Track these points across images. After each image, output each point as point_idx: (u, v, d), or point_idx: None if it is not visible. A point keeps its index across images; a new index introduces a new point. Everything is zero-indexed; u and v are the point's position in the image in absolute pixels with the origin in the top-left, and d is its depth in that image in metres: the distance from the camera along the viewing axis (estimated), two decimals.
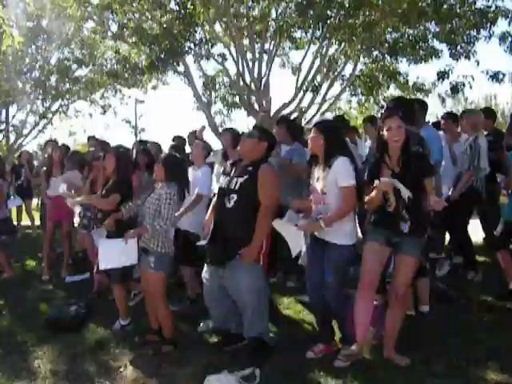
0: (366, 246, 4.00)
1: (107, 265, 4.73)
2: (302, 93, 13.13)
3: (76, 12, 12.31)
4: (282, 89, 13.61)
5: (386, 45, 12.09)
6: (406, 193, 3.69)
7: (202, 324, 4.99)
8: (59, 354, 4.58)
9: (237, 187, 4.14)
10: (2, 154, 16.55)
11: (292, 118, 7.15)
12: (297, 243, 4.36)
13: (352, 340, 4.05)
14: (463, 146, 6.21)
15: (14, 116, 19.13)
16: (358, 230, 4.72)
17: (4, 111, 18.62)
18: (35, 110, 18.11)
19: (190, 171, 5.71)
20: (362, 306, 3.95)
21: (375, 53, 12.76)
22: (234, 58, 12.97)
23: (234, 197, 4.12)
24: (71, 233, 7.76)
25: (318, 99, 13.56)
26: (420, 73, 35.55)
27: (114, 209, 4.96)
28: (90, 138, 9.54)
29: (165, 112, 70.72)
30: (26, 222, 12.73)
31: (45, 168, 7.82)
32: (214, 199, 4.65)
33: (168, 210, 4.41)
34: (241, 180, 4.14)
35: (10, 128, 18.95)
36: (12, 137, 18.97)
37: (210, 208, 4.76)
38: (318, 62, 12.77)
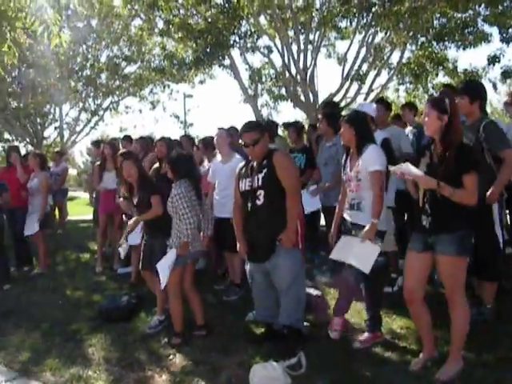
0: (406, 255, 3.86)
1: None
2: (348, 83, 13.04)
3: (123, 10, 12.60)
4: (328, 79, 13.59)
5: (433, 31, 11.84)
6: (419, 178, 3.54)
7: (250, 314, 5.06)
8: (111, 342, 4.75)
9: (260, 183, 4.19)
10: (57, 150, 17.10)
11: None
12: (366, 259, 4.16)
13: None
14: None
15: (67, 114, 19.70)
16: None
17: (58, 109, 19.18)
18: (87, 107, 18.59)
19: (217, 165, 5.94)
20: (414, 317, 3.91)
21: (422, 39, 12.54)
22: (279, 50, 12.99)
23: (262, 192, 4.17)
24: (123, 225, 8.01)
25: (365, 89, 13.45)
26: (469, 58, 34.46)
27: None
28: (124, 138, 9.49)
29: (212, 106, 71.32)
30: (79, 216, 13.13)
31: (98, 163, 8.06)
32: (237, 202, 4.60)
33: (182, 210, 4.49)
34: (261, 175, 4.20)
35: (64, 125, 19.52)
36: (66, 134, 19.56)
37: (234, 211, 4.63)
38: (363, 51, 12.64)
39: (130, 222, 5.20)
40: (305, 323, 4.51)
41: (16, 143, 17.16)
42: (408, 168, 3.58)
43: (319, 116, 6.34)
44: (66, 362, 4.35)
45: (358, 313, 4.93)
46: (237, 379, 3.85)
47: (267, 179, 4.16)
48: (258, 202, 4.19)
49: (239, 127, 8.45)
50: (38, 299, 6.28)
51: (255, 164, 4.35)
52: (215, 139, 6.11)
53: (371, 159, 4.15)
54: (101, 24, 14.98)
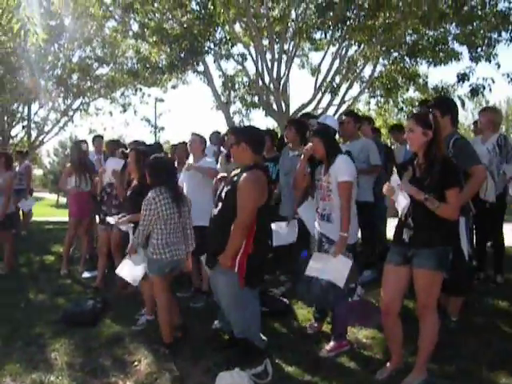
0: (384, 268, 3.87)
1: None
2: (320, 94, 13.14)
3: (98, 11, 12.47)
4: (300, 89, 13.65)
5: (406, 46, 12.07)
6: (402, 200, 3.59)
7: (216, 322, 5.03)
8: (75, 348, 4.66)
9: (223, 195, 4.08)
10: (24, 149, 16.79)
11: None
12: (340, 273, 4.24)
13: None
14: (486, 144, 6.02)
15: (35, 113, 19.38)
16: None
17: (26, 108, 18.85)
18: (57, 107, 18.33)
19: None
20: (387, 328, 3.95)
21: (395, 54, 12.75)
22: (253, 58, 13.03)
23: (220, 205, 4.07)
24: (90, 229, 7.94)
25: (337, 100, 13.57)
26: (440, 75, 35.26)
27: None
28: (95, 138, 9.49)
29: (184, 111, 71.11)
30: (43, 217, 12.91)
31: (68, 165, 7.95)
32: None
33: (145, 217, 4.43)
34: (226, 189, 4.08)
35: (32, 125, 19.19)
36: (34, 133, 19.23)
37: None
38: (337, 63, 12.78)
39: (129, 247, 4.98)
40: (263, 337, 4.29)
41: None
42: (396, 180, 3.65)
43: (285, 123, 6.30)
44: (28, 367, 4.24)
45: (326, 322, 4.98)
46: None
47: (228, 193, 4.03)
48: (214, 213, 4.10)
49: (210, 133, 8.51)
50: (0, 301, 6.13)
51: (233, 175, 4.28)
52: (189, 144, 6.17)
53: (340, 169, 4.32)
54: (74, 23, 14.80)
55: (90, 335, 4.96)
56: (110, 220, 5.50)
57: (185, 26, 11.88)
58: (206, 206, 4.89)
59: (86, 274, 7.34)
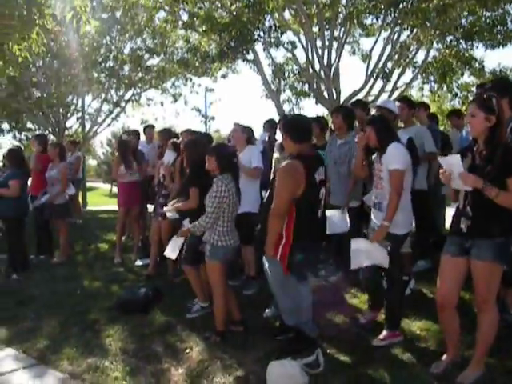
0: (441, 259, 3.73)
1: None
2: (372, 80, 12.91)
3: (148, 2, 12.59)
4: (351, 76, 13.43)
5: (461, 29, 11.65)
6: (457, 181, 3.42)
7: (267, 310, 5.02)
8: (129, 334, 4.74)
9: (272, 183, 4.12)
10: (78, 140, 17.24)
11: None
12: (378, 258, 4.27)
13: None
14: None
15: (89, 104, 19.83)
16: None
17: (80, 100, 19.30)
18: (109, 98, 18.67)
19: None
20: (443, 321, 3.81)
21: (449, 38, 12.34)
22: (303, 46, 12.90)
23: (268, 193, 4.12)
24: (141, 218, 8.05)
25: (389, 87, 13.31)
26: (498, 58, 33.91)
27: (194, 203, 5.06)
28: (146, 127, 9.60)
29: (234, 100, 71.30)
30: (98, 206, 13.21)
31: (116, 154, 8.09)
32: None
33: (211, 204, 4.40)
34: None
35: (86, 116, 19.64)
36: (87, 124, 19.68)
37: None
38: (389, 48, 12.50)
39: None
40: (314, 327, 4.24)
41: (38, 133, 17.30)
42: (455, 161, 3.46)
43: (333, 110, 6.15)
44: (84, 352, 4.35)
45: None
46: (254, 376, 3.82)
47: (272, 182, 4.09)
48: (264, 200, 4.13)
49: (261, 122, 8.46)
50: (57, 288, 6.30)
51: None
52: (231, 134, 6.18)
53: (391, 158, 4.25)
54: (125, 15, 15.01)
55: (142, 322, 5.03)
56: (166, 210, 5.57)
57: (234, 13, 11.85)
58: (253, 193, 4.91)
59: (138, 262, 7.46)
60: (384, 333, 4.33)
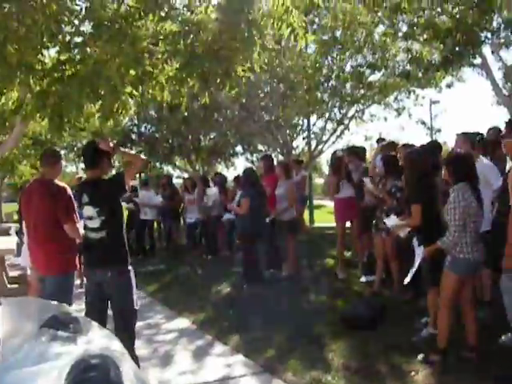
0: None
1: None
2: None
3: (366, 18, 12.63)
4: None
5: None
6: None
7: (503, 337, 4.56)
8: (352, 350, 4.72)
9: None
10: (305, 159, 17.96)
11: None
12: None
13: None
14: None
15: (314, 124, 20.50)
16: None
17: (305, 120, 20.07)
18: (333, 117, 19.07)
19: None
20: None
21: None
22: None
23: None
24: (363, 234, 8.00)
25: None
26: None
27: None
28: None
29: (461, 110, 67.38)
30: (324, 223, 13.49)
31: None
32: None
33: (452, 216, 4.15)
34: None
35: (311, 135, 20.33)
36: (313, 143, 20.34)
37: None
38: None
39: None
40: None
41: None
42: None
43: None
44: (307, 365, 4.43)
45: None
46: None
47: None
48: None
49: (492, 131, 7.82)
50: (284, 300, 6.57)
51: None
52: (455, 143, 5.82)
53: None
54: (344, 34, 15.26)
55: (366, 339, 4.96)
56: (388, 221, 5.45)
57: (457, 16, 11.20)
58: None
59: (363, 279, 7.41)
60: None
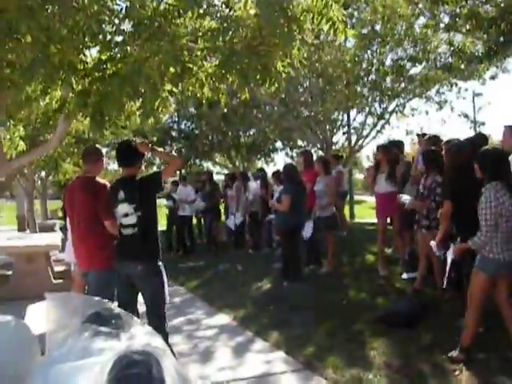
0: None
1: None
2: None
3: (406, 10, 12.40)
4: None
5: None
6: None
7: None
8: (393, 348, 4.65)
9: None
10: (345, 154, 17.83)
11: None
12: None
13: None
14: None
15: (354, 119, 20.30)
16: None
17: (345, 115, 19.89)
18: (373, 111, 18.83)
19: None
20: None
21: None
22: None
23: None
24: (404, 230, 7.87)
25: None
26: None
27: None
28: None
29: (506, 102, 65.41)
30: (365, 219, 13.36)
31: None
32: None
33: (483, 217, 4.04)
34: None
35: (352, 130, 20.13)
36: (353, 138, 20.16)
37: None
38: None
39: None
40: None
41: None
42: None
43: None
44: (347, 362, 4.40)
45: None
46: None
47: None
48: None
49: None
50: (324, 297, 6.53)
51: None
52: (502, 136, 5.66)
53: None
54: (384, 27, 15.02)
55: (407, 337, 4.89)
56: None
57: (501, 5, 10.87)
58: None
59: (405, 276, 7.30)
60: None
